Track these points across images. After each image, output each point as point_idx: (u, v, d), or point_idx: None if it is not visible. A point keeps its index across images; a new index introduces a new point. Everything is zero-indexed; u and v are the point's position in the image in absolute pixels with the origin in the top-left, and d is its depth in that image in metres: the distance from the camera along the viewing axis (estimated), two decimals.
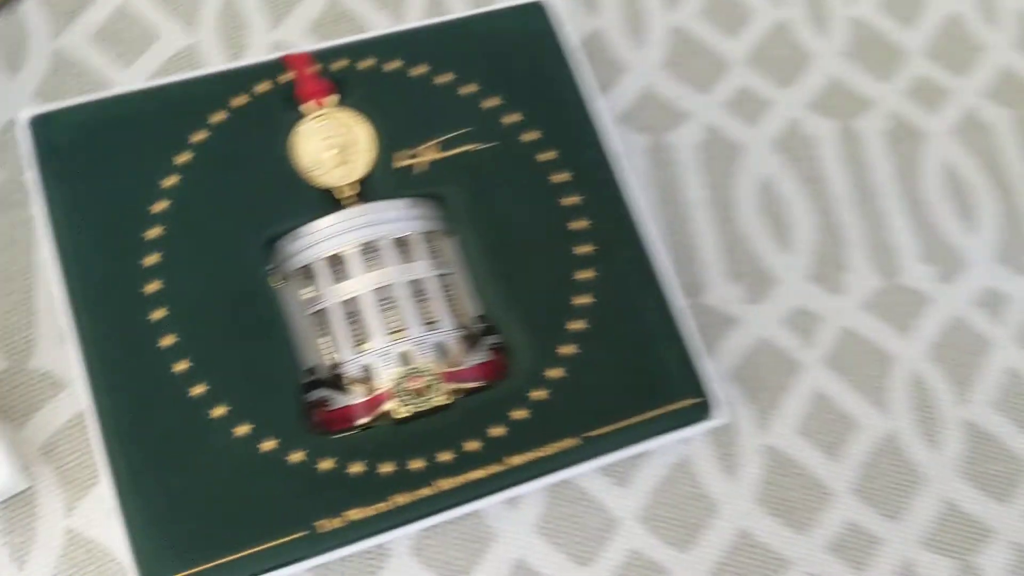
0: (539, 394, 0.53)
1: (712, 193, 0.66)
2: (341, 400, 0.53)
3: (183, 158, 0.54)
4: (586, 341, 0.55)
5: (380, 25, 0.65)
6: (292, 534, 0.49)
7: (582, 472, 0.53)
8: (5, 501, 0.51)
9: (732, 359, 0.63)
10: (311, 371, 0.54)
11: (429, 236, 0.56)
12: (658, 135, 0.67)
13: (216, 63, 0.63)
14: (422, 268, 0.55)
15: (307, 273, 0.55)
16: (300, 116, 0.57)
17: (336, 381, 0.53)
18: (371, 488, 0.50)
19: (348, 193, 0.56)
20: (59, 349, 0.55)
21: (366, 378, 0.53)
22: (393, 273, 0.54)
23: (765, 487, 0.60)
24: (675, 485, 0.59)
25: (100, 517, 0.52)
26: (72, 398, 0.54)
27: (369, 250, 0.54)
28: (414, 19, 0.66)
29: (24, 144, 0.53)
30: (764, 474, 0.61)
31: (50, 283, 0.55)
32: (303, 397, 0.53)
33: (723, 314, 0.64)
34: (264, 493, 0.50)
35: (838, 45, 0.72)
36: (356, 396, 0.52)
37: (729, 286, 0.64)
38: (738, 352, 0.63)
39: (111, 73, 0.61)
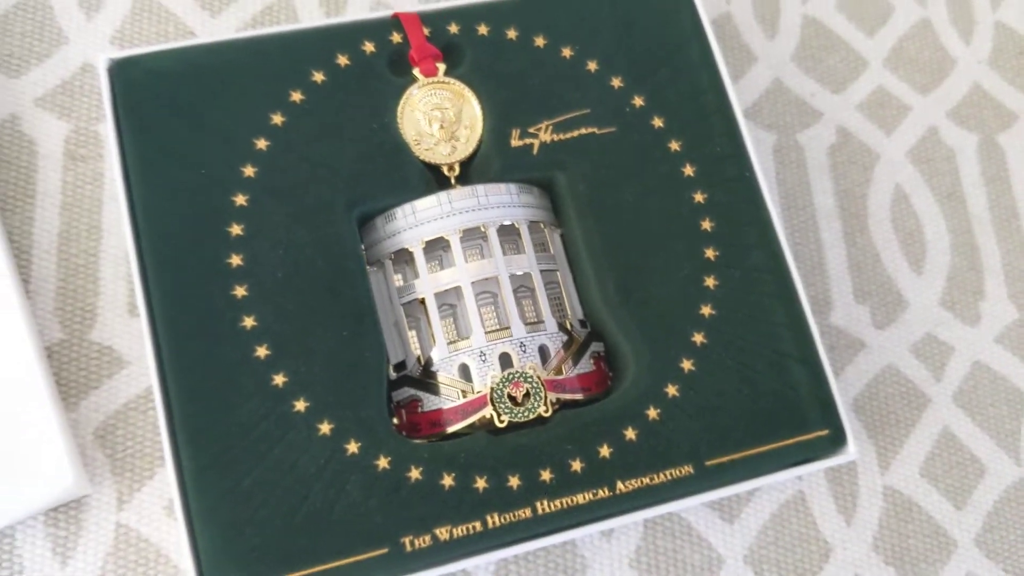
0: (653, 413, 0.47)
1: (842, 202, 0.60)
2: (433, 402, 0.47)
3: (278, 119, 0.49)
4: (708, 357, 0.49)
5: None
6: (374, 550, 0.43)
7: (692, 504, 0.47)
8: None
9: (855, 387, 0.57)
10: (399, 366, 0.48)
11: (535, 226, 0.51)
12: (787, 134, 0.61)
13: (312, 16, 0.57)
14: (528, 261, 0.49)
15: (402, 258, 0.49)
16: (408, 82, 0.51)
17: (427, 380, 0.48)
18: (464, 504, 0.44)
19: (455, 172, 0.51)
20: (124, 322, 0.49)
21: (462, 379, 0.47)
22: (497, 265, 0.48)
23: (883, 533, 0.54)
24: (787, 524, 0.53)
25: (156, 514, 0.47)
26: (134, 378, 0.48)
27: (472, 237, 0.49)
28: None
29: (102, 91, 0.47)
30: (883, 518, 0.55)
31: (119, 248, 0.50)
32: (390, 395, 0.47)
33: (849, 336, 0.57)
34: (345, 501, 0.44)
35: (982, 52, 0.66)
36: (450, 399, 0.47)
37: (856, 306, 0.58)
38: (862, 380, 0.57)
39: (197, 21, 0.56)
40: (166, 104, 0.48)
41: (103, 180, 0.51)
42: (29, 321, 0.45)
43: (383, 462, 0.45)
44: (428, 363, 0.48)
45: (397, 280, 0.50)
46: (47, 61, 0.53)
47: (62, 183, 0.51)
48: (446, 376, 0.47)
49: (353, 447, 0.45)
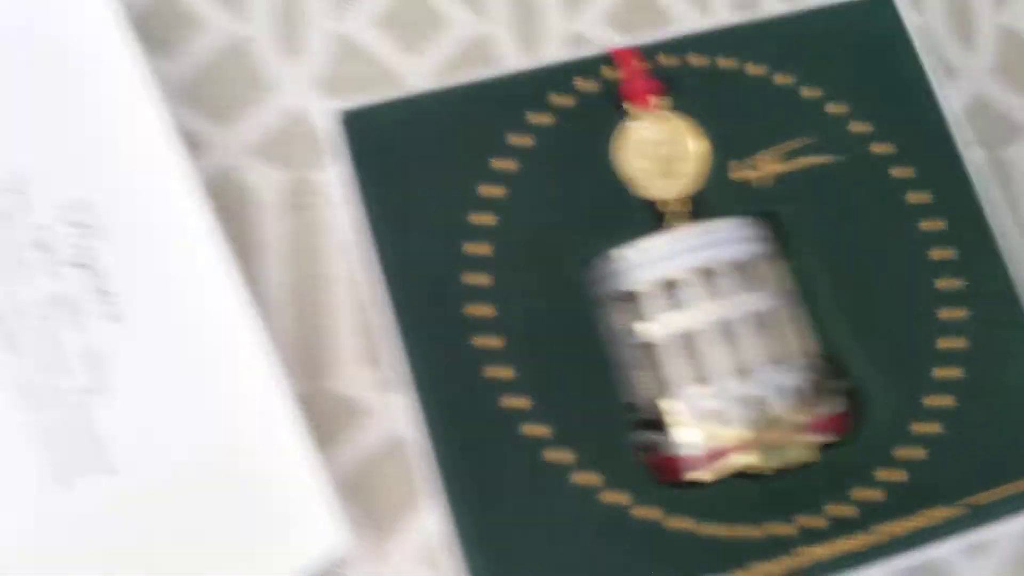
0: (911, 452, 0.46)
1: None
2: (672, 447, 0.46)
3: (504, 163, 0.48)
4: (951, 391, 0.47)
5: (685, 17, 0.58)
6: None
7: (959, 546, 0.45)
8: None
9: None
10: (632, 409, 0.47)
11: (766, 261, 0.49)
12: (991, 150, 0.59)
13: (509, 54, 0.56)
14: (764, 298, 0.48)
15: (630, 298, 0.48)
16: (623, 118, 0.50)
17: (665, 424, 0.46)
18: (728, 553, 0.44)
19: (677, 208, 0.49)
20: (363, 372, 0.48)
21: (703, 423, 0.46)
22: (735, 303, 0.47)
23: None
24: None
25: (414, 566, 0.46)
26: (375, 429, 0.48)
27: (705, 275, 0.48)
28: (721, 11, 0.59)
29: (335, 142, 0.47)
30: None
31: (349, 297, 0.50)
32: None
33: None
34: (609, 552, 0.43)
35: None
36: (693, 445, 0.46)
37: None
38: None
39: (397, 61, 0.55)
40: (397, 153, 0.47)
41: (325, 229, 0.51)
42: (279, 374, 0.45)
43: (642, 511, 0.44)
44: (664, 407, 0.46)
45: (628, 322, 0.48)
46: (255, 108, 0.53)
47: (284, 233, 0.50)
48: (687, 419, 0.46)
49: (611, 496, 0.44)
